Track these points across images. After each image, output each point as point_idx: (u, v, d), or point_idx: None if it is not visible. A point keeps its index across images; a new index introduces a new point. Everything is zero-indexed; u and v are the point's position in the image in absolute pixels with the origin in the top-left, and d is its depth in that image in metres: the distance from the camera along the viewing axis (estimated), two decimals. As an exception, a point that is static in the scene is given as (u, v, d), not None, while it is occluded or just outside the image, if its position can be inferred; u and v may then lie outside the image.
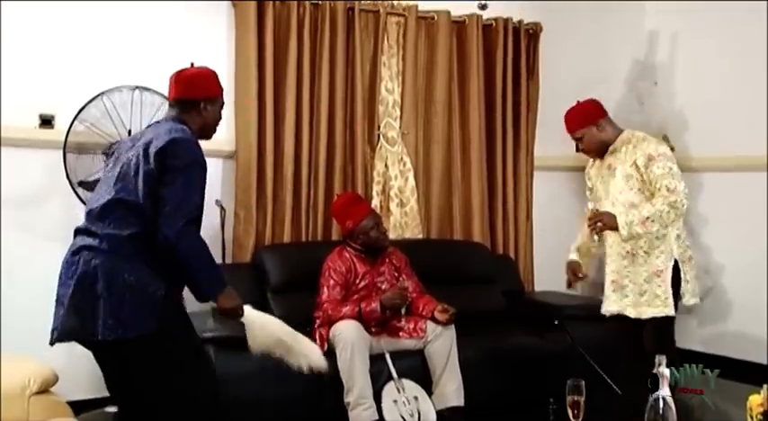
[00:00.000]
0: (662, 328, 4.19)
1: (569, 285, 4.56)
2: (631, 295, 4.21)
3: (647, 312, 4.17)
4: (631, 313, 4.22)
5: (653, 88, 6.33)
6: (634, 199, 4.14)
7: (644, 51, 6.47)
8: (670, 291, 4.14)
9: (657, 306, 4.14)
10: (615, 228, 4.08)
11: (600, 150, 4.30)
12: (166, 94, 4.61)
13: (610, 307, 4.31)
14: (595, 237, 4.37)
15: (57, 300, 3.15)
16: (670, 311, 4.15)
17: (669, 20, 6.35)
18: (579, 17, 6.33)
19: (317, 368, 3.50)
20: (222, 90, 3.48)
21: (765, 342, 5.61)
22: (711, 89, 6.03)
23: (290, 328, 3.46)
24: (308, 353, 3.47)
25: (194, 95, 3.33)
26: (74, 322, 3.08)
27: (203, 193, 3.22)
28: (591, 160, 4.46)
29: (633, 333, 4.25)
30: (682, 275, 4.16)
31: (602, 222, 4.13)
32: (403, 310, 4.69)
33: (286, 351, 3.42)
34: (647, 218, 4.01)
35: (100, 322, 3.00)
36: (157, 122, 3.40)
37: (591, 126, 4.26)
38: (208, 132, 3.46)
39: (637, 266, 4.18)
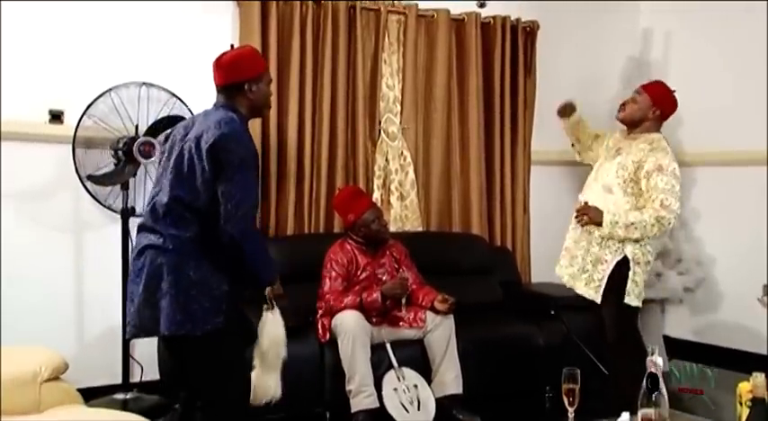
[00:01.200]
0: (619, 319, 4.31)
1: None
2: (575, 266, 4.38)
3: (579, 288, 4.36)
4: (568, 282, 4.44)
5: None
6: (613, 187, 4.25)
7: (639, 49, 6.56)
8: (604, 283, 4.26)
9: (591, 288, 4.30)
10: (599, 224, 4.17)
11: (630, 120, 4.40)
12: (174, 90, 4.74)
13: (558, 271, 4.55)
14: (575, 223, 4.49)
15: (128, 298, 3.25)
16: (597, 299, 4.29)
17: (664, 18, 6.44)
18: (575, 15, 6.39)
19: (261, 397, 3.45)
20: (266, 66, 3.44)
21: (755, 331, 5.72)
22: (704, 86, 6.11)
23: (283, 352, 3.47)
24: (269, 380, 3.44)
25: (237, 79, 3.29)
26: (145, 318, 3.16)
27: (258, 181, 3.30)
28: (617, 133, 4.57)
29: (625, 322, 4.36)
30: (630, 274, 4.25)
31: (589, 217, 4.23)
32: (403, 301, 4.74)
33: (262, 364, 3.44)
34: (632, 223, 4.10)
35: (168, 318, 3.08)
36: (207, 110, 3.38)
37: (652, 105, 4.36)
38: (259, 111, 3.47)
39: (590, 246, 4.31)
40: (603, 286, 4.27)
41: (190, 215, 3.15)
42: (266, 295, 3.41)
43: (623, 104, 4.48)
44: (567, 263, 4.47)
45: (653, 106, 4.36)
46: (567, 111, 4.89)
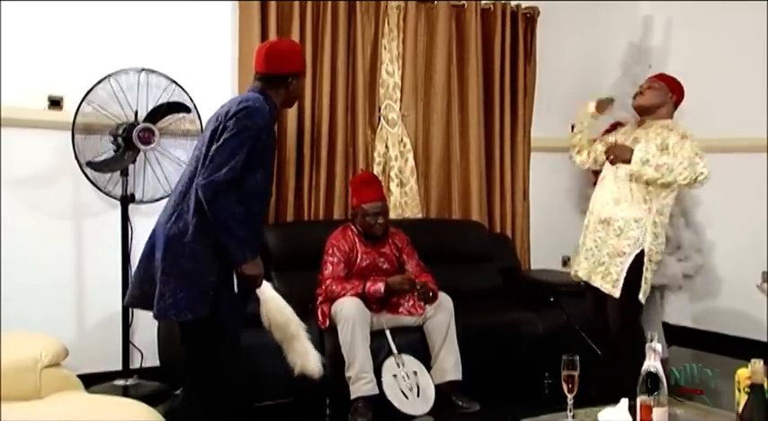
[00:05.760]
0: (625, 309, 4.28)
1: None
2: (591, 259, 4.35)
3: (596, 281, 4.32)
4: (584, 275, 4.40)
5: (648, 71, 6.39)
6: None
7: (639, 36, 6.54)
8: (623, 277, 4.22)
9: (607, 282, 4.26)
10: (628, 161, 4.14)
11: (646, 108, 4.42)
12: (173, 76, 4.73)
13: (574, 265, 4.54)
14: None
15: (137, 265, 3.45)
16: (615, 294, 4.24)
17: (664, 5, 6.42)
18: (576, 2, 6.37)
19: (308, 373, 3.54)
20: (305, 63, 3.57)
21: (754, 318, 5.73)
22: (704, 73, 6.11)
23: (300, 322, 3.52)
24: (304, 355, 3.51)
25: (282, 71, 3.40)
26: (137, 292, 3.34)
27: (265, 162, 3.31)
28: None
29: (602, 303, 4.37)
30: (643, 271, 4.24)
31: (616, 154, 4.21)
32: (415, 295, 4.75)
33: (286, 341, 3.50)
34: (664, 163, 4.08)
35: (158, 302, 3.20)
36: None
37: (669, 91, 4.40)
38: (290, 103, 3.62)
39: (607, 238, 4.28)
40: (622, 280, 4.23)
41: (197, 198, 3.22)
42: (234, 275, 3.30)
43: (640, 92, 4.47)
44: (583, 257, 4.44)
45: (670, 92, 4.41)
46: (604, 106, 4.76)
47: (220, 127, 3.23)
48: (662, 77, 4.52)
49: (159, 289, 3.21)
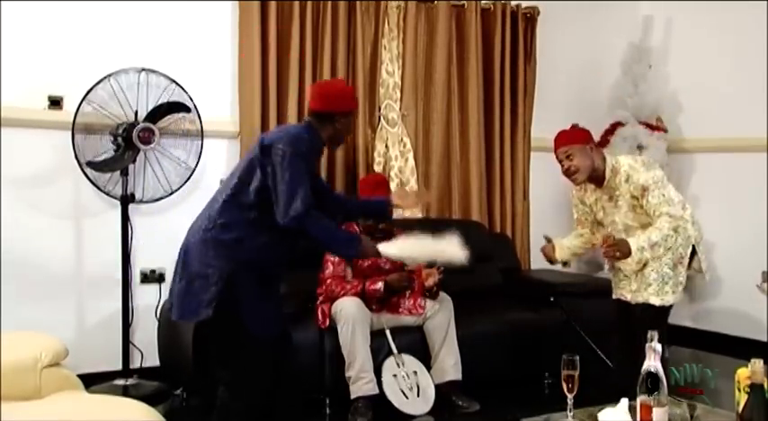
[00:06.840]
0: (660, 315, 4.18)
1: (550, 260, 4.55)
2: (654, 284, 4.14)
3: (669, 300, 4.15)
4: (655, 301, 4.15)
5: (647, 71, 6.40)
6: (643, 221, 4.10)
7: (639, 35, 6.54)
8: (685, 276, 4.18)
9: (665, 293, 4.12)
10: (628, 253, 3.92)
11: (587, 172, 4.13)
12: (173, 76, 4.73)
13: (636, 298, 4.24)
14: (606, 265, 4.40)
15: None
16: (680, 297, 4.20)
17: (664, 5, 6.43)
18: (576, 1, 6.38)
19: (458, 262, 3.67)
20: (357, 105, 3.76)
21: (754, 318, 5.73)
22: (704, 72, 6.12)
23: (430, 245, 3.72)
24: (447, 252, 3.70)
25: (330, 109, 3.53)
26: (168, 304, 3.62)
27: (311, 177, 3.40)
28: (581, 188, 4.35)
29: (624, 311, 4.32)
30: (699, 256, 4.19)
31: (621, 252, 3.93)
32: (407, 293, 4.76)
33: (429, 257, 3.88)
34: (655, 242, 3.92)
35: (175, 306, 3.41)
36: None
37: (584, 145, 4.14)
38: (337, 142, 3.77)
39: (660, 257, 4.09)
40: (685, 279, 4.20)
41: (219, 206, 3.37)
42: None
43: (567, 169, 4.17)
44: (643, 285, 4.17)
45: (586, 145, 4.16)
46: (550, 250, 4.56)
47: (259, 155, 3.34)
48: (564, 139, 4.21)
49: (177, 292, 3.38)
